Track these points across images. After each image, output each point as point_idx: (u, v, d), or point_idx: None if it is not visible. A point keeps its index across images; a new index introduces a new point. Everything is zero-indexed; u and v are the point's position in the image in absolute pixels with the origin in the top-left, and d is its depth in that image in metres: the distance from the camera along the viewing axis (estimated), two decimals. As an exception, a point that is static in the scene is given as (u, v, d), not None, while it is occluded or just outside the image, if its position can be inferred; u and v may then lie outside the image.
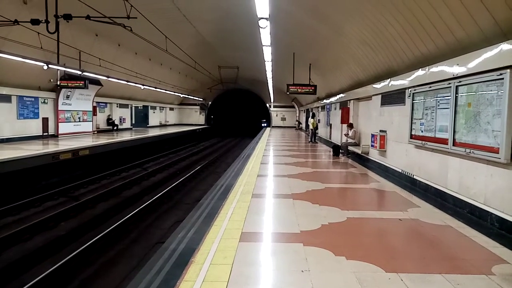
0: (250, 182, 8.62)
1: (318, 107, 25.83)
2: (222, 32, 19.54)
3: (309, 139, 22.32)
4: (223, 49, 24.16)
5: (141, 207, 9.96)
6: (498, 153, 5.23)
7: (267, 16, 7.96)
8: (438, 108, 7.14)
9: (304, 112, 35.42)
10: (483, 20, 5.59)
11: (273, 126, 42.12)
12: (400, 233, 5.37)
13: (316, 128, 21.40)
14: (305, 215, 5.92)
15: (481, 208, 5.78)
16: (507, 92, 5.05)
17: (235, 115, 53.24)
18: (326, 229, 5.27)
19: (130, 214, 9.25)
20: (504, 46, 5.10)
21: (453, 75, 6.47)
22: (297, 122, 39.47)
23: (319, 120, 24.47)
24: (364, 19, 9.47)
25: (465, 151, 6.09)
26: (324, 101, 22.20)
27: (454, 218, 5.89)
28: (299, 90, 16.64)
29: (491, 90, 5.48)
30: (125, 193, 12.35)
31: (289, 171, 10.44)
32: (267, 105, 42.42)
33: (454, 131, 6.48)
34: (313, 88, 16.22)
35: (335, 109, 19.00)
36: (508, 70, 5.03)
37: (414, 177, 8.44)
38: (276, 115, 42.90)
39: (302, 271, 3.83)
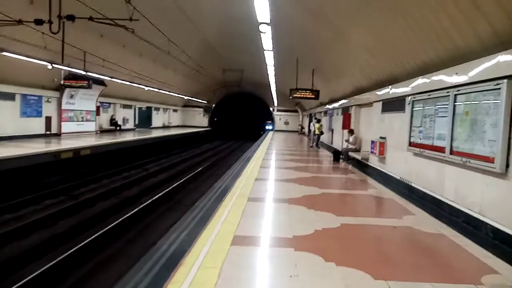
0: (248, 186, 8.62)
1: (321, 112, 25.81)
2: (226, 36, 19.62)
3: (311, 144, 22.30)
4: (227, 52, 24.23)
5: (139, 207, 10.00)
6: (493, 162, 5.22)
7: (268, 21, 8.00)
8: (437, 116, 7.13)
9: (307, 117, 35.39)
10: (482, 30, 5.60)
11: (276, 130, 42.13)
12: (393, 241, 5.35)
13: (321, 133, 21.37)
14: (299, 220, 5.92)
15: (476, 218, 5.74)
16: (504, 102, 5.04)
17: (238, 118, 53.31)
18: (319, 235, 5.27)
19: (128, 214, 9.30)
20: (502, 57, 5.11)
21: (452, 84, 6.47)
22: (300, 127, 39.50)
23: (321, 125, 24.42)
24: (367, 26, 9.50)
25: (461, 160, 6.07)
26: (327, 106, 22.19)
27: (449, 227, 5.85)
28: (302, 95, 16.69)
29: (488, 100, 5.47)
30: (125, 193, 12.40)
31: (288, 176, 10.44)
32: (271, 108, 42.48)
33: (452, 140, 6.47)
34: (315, 93, 16.25)
35: (337, 114, 18.99)
36: (505, 80, 5.03)
37: (412, 184, 8.41)
38: (280, 119, 42.91)
39: (291, 276, 3.83)
